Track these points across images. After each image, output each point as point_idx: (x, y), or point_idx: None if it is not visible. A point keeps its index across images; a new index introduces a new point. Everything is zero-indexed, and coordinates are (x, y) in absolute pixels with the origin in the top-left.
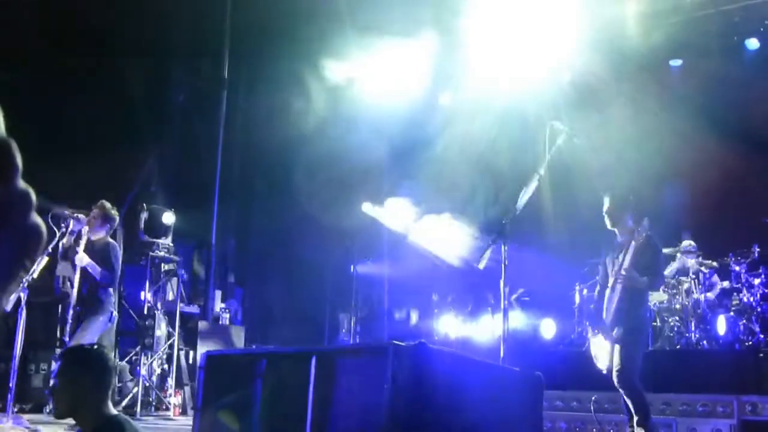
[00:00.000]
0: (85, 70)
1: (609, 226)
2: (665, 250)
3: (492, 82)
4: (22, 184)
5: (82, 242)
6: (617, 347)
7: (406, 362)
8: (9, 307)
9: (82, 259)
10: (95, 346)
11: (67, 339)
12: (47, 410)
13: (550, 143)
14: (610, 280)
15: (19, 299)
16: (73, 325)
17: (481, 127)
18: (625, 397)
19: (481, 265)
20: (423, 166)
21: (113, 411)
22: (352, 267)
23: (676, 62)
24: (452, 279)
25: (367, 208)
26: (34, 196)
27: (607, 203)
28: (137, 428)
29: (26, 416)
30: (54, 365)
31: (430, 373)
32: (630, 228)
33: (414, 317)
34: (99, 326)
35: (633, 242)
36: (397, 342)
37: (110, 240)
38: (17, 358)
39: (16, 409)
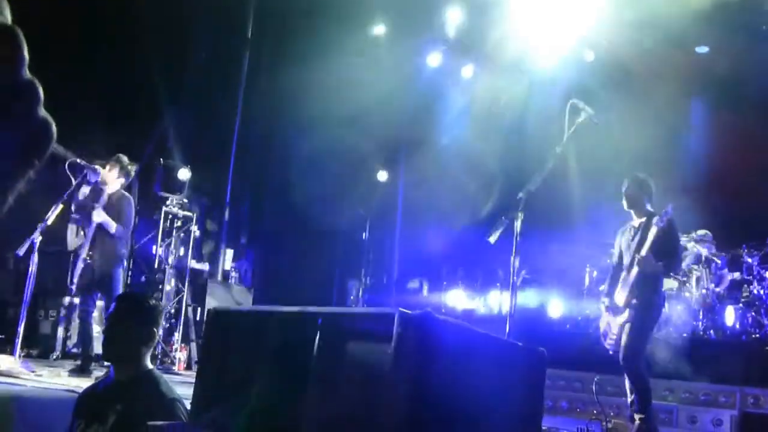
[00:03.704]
0: (104, 24)
1: (626, 207)
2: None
3: (515, 56)
4: (27, 74)
5: (102, 198)
6: (626, 328)
7: (411, 330)
8: (21, 253)
9: (99, 214)
10: (152, 301)
11: (73, 288)
12: (54, 356)
13: (570, 122)
14: (626, 261)
15: (31, 245)
16: (85, 276)
17: (503, 102)
18: (627, 379)
19: (493, 240)
20: (442, 137)
21: (150, 365)
22: (363, 234)
23: (702, 48)
24: (463, 252)
25: (383, 176)
26: (40, 89)
27: (626, 184)
28: (170, 386)
29: (32, 361)
30: (63, 311)
31: (434, 342)
32: (648, 211)
33: (423, 288)
34: (120, 277)
35: (653, 226)
36: (403, 309)
37: (125, 194)
38: (27, 304)
39: (23, 354)
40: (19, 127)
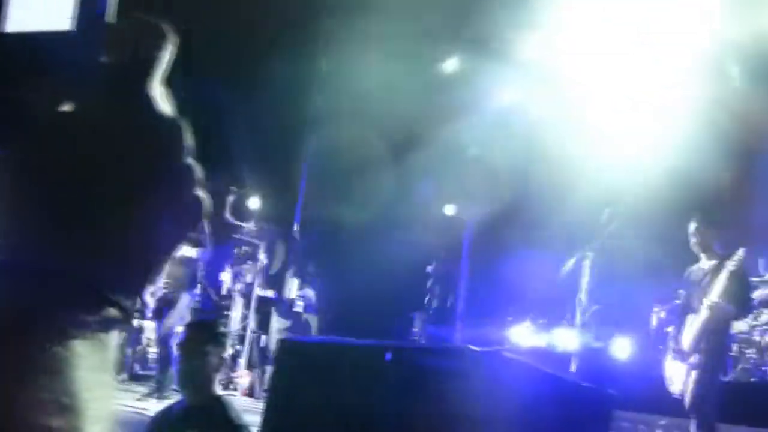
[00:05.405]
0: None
1: (698, 251)
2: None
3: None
4: (188, 160)
5: None
6: (693, 373)
7: (481, 367)
8: None
9: None
10: (223, 328)
11: (146, 310)
12: (121, 378)
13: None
14: (694, 304)
15: None
16: (160, 300)
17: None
18: (693, 425)
19: (561, 275)
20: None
21: (220, 391)
22: (428, 267)
23: None
24: (529, 288)
25: (450, 210)
26: (198, 172)
27: (695, 225)
28: (239, 412)
29: None
30: (131, 334)
31: (504, 382)
32: (719, 254)
33: (487, 322)
34: (187, 302)
35: (725, 270)
36: (473, 347)
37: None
38: None
39: None
40: (177, 208)
